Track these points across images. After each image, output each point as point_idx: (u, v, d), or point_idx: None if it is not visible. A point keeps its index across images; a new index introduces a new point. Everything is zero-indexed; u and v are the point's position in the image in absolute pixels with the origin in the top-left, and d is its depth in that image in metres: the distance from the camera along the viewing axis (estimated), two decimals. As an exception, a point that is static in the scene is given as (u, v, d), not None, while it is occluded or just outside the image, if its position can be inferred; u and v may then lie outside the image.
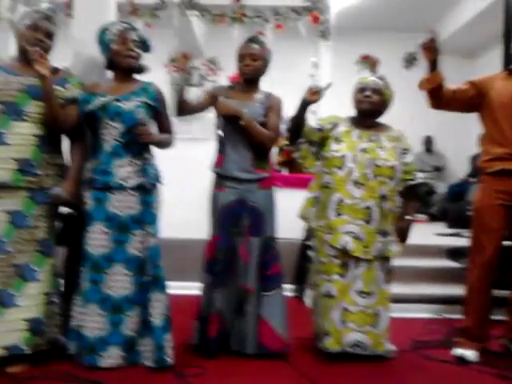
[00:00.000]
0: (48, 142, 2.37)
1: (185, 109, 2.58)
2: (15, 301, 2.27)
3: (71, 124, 2.42)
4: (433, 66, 2.60)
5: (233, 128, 2.54)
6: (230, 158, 2.58)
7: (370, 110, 2.60)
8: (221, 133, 2.62)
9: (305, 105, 2.57)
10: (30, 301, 2.30)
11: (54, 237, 2.43)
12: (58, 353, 2.40)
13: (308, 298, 2.87)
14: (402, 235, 2.63)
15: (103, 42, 2.46)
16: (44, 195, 2.35)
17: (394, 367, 2.55)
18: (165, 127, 2.57)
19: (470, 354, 2.63)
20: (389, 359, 2.60)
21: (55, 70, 2.37)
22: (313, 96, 2.54)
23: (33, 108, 2.31)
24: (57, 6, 4.70)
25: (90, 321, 2.36)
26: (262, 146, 2.58)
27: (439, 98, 2.69)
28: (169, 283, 2.48)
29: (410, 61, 7.47)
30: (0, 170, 2.26)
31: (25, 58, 2.36)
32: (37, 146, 2.32)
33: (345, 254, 2.51)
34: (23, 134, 2.30)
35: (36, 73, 2.24)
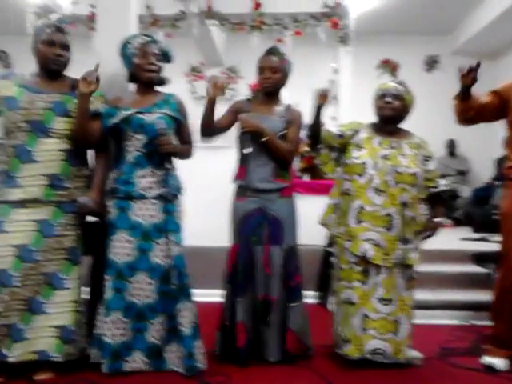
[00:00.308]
0: (74, 155, 2.42)
1: (212, 132, 2.61)
2: (44, 308, 2.31)
3: (96, 138, 2.45)
4: (466, 89, 2.56)
5: (254, 141, 2.56)
6: (251, 170, 2.59)
7: (391, 116, 2.59)
8: (246, 150, 2.59)
9: (316, 109, 2.61)
10: (59, 308, 2.34)
11: (81, 245, 2.46)
12: (83, 361, 2.43)
13: (331, 305, 2.84)
14: (428, 233, 2.62)
15: (125, 55, 2.50)
16: (71, 205, 2.38)
17: (420, 374, 2.51)
18: (185, 138, 2.59)
19: (498, 362, 2.57)
20: (414, 366, 2.57)
21: (77, 83, 2.36)
22: (322, 99, 2.58)
23: (58, 124, 2.35)
24: (78, 18, 4.83)
25: (114, 328, 2.37)
26: (281, 160, 2.60)
27: (468, 118, 2.67)
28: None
29: (430, 64, 7.41)
30: (32, 188, 2.31)
31: (45, 74, 2.41)
32: (64, 160, 2.37)
33: (365, 261, 2.50)
34: (50, 150, 2.34)
35: (78, 90, 2.30)
